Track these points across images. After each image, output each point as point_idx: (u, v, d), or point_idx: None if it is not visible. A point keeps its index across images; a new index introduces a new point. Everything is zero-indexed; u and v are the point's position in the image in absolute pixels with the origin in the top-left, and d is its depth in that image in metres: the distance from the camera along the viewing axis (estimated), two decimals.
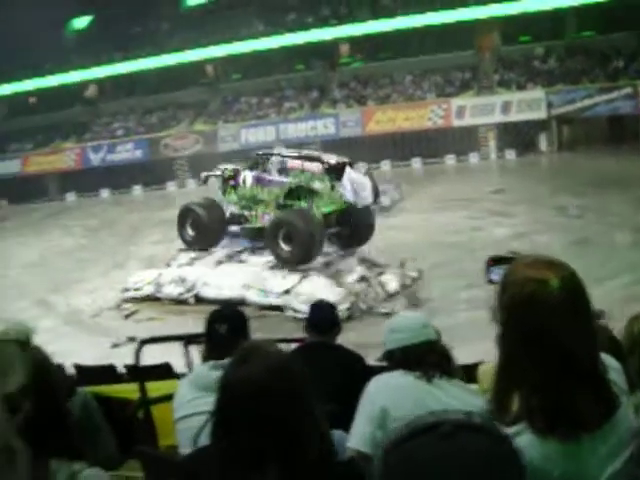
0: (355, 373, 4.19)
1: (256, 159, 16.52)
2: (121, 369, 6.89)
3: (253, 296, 14.80)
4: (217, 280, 15.69)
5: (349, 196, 14.87)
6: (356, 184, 14.91)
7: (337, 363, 4.51)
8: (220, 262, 16.47)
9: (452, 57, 32.19)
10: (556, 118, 29.10)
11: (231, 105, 35.61)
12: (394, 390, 3.02)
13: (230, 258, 16.59)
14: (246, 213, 16.12)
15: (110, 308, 15.76)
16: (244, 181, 16.20)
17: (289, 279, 15.10)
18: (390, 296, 14.53)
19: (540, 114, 28.96)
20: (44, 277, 19.29)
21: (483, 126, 30.00)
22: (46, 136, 38.01)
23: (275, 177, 15.85)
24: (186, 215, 16.08)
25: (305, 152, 16.62)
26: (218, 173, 16.76)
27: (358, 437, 2.92)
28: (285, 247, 14.79)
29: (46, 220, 26.32)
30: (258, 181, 16.02)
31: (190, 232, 16.02)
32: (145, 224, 24.94)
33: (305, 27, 34.54)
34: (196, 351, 7.26)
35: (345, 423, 2.96)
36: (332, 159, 15.53)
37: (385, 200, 22.09)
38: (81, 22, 41.59)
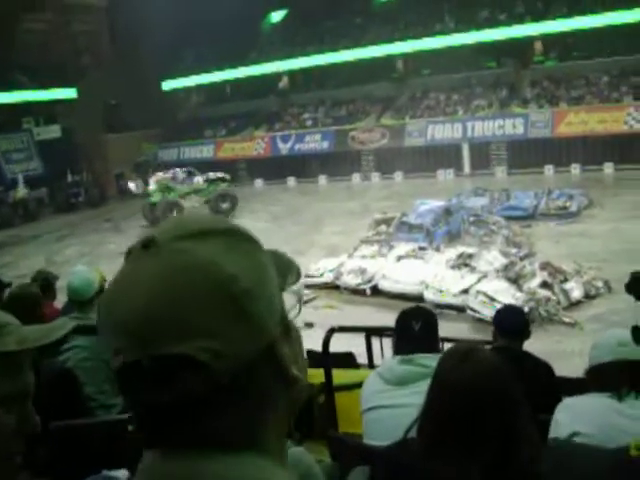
0: (542, 383, 4.02)
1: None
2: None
3: (430, 294, 14.92)
4: (396, 274, 15.97)
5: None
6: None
7: (524, 371, 4.48)
8: (401, 257, 16.74)
9: None
10: None
11: (419, 101, 35.56)
12: (581, 416, 2.95)
13: (411, 254, 16.83)
14: None
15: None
16: None
17: (467, 279, 15.10)
18: (572, 305, 14.15)
19: None
20: None
21: None
22: (238, 124, 39.81)
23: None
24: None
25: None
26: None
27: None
28: None
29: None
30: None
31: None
32: (328, 214, 25.51)
33: (498, 24, 33.94)
34: (376, 343, 7.51)
35: None
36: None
37: (572, 206, 21.49)
38: (277, 16, 43.16)
